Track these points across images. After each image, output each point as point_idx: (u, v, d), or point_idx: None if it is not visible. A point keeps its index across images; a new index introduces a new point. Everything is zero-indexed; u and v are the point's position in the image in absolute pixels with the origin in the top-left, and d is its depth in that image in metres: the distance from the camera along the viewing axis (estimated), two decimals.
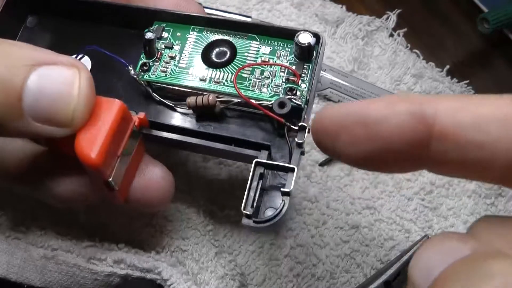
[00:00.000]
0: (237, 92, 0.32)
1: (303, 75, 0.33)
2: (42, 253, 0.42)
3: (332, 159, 0.48)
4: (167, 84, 0.34)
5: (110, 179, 0.29)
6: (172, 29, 0.35)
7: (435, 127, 0.21)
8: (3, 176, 0.34)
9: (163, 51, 0.35)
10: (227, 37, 0.35)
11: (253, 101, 0.32)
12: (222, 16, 0.51)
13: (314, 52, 0.33)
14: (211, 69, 0.34)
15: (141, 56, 0.35)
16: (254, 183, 0.29)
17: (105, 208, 0.44)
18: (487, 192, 0.48)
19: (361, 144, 0.22)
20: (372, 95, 0.50)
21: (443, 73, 0.55)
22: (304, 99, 0.32)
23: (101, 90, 0.29)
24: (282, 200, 0.28)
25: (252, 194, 0.28)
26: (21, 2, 0.37)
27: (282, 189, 0.28)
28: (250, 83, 0.33)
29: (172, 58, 0.34)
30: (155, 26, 0.35)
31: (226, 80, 0.33)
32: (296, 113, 0.32)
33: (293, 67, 0.33)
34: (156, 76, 0.34)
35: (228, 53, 0.34)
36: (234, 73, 0.33)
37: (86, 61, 0.35)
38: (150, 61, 0.34)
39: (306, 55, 0.33)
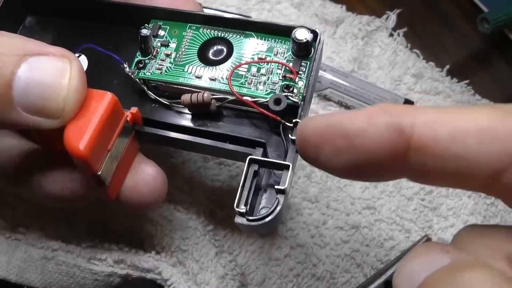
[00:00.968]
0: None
1: (300, 72, 0.33)
2: (42, 254, 0.42)
3: None
4: (162, 81, 0.34)
5: (99, 173, 0.29)
6: (168, 27, 0.35)
7: (413, 139, 0.21)
8: None
9: (159, 49, 0.35)
10: (224, 35, 0.35)
11: (248, 99, 0.32)
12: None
13: (312, 49, 0.33)
14: (208, 66, 0.34)
15: (137, 53, 0.35)
16: (248, 181, 0.28)
17: (105, 208, 0.44)
18: None
19: (343, 156, 0.23)
20: (372, 95, 0.50)
21: (443, 73, 0.55)
22: (300, 96, 0.32)
23: (97, 88, 0.29)
24: (276, 198, 0.28)
25: (245, 191, 0.28)
26: (19, 1, 0.37)
27: (276, 187, 0.28)
28: (246, 80, 0.33)
29: (168, 55, 0.34)
30: (152, 24, 0.35)
31: (222, 78, 0.33)
32: (293, 110, 0.31)
33: (290, 64, 0.33)
34: (151, 73, 0.34)
35: (225, 51, 0.34)
36: (230, 70, 0.33)
37: (83, 60, 0.36)
38: (146, 58, 0.34)
39: (304, 52, 0.33)
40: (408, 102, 0.50)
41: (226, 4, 0.56)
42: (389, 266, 0.42)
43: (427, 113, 0.21)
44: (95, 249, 0.42)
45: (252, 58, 0.34)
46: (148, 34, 0.34)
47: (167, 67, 0.34)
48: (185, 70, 0.34)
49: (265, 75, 0.33)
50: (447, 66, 0.55)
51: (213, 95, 0.32)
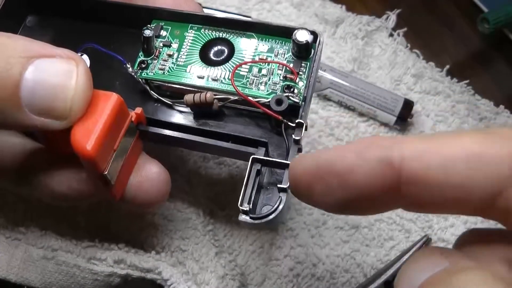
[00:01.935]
0: (234, 90, 0.32)
1: (300, 73, 0.33)
2: (42, 254, 0.42)
3: None
4: (165, 81, 0.34)
5: (106, 173, 0.29)
6: (170, 27, 0.36)
7: (403, 172, 0.21)
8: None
9: (161, 49, 0.35)
10: (225, 35, 0.35)
11: (250, 98, 0.32)
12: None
13: (312, 50, 0.33)
14: (209, 67, 0.34)
15: (139, 53, 0.35)
16: (251, 180, 0.29)
17: (105, 208, 0.44)
18: None
19: (335, 193, 0.23)
20: (372, 95, 0.50)
21: (443, 73, 0.55)
22: (301, 97, 0.32)
23: (100, 88, 0.29)
24: (279, 197, 0.28)
25: (249, 190, 0.28)
26: (20, 1, 0.37)
27: (278, 186, 0.28)
28: (248, 80, 0.33)
29: (170, 56, 0.35)
30: (154, 24, 0.36)
31: (224, 78, 0.33)
32: (294, 110, 0.32)
33: (291, 65, 0.33)
34: (154, 73, 0.34)
35: (226, 51, 0.35)
36: (231, 71, 0.33)
37: (85, 59, 0.36)
38: (148, 59, 0.35)
39: (304, 53, 0.33)
40: (408, 102, 0.50)
41: (226, 4, 0.56)
42: (389, 266, 0.42)
43: (414, 143, 0.21)
44: (95, 249, 0.42)
45: (253, 59, 0.34)
46: (151, 34, 0.34)
47: (169, 67, 0.34)
48: (187, 70, 0.34)
49: (266, 75, 0.33)
50: (447, 66, 0.55)
51: (215, 95, 0.33)
